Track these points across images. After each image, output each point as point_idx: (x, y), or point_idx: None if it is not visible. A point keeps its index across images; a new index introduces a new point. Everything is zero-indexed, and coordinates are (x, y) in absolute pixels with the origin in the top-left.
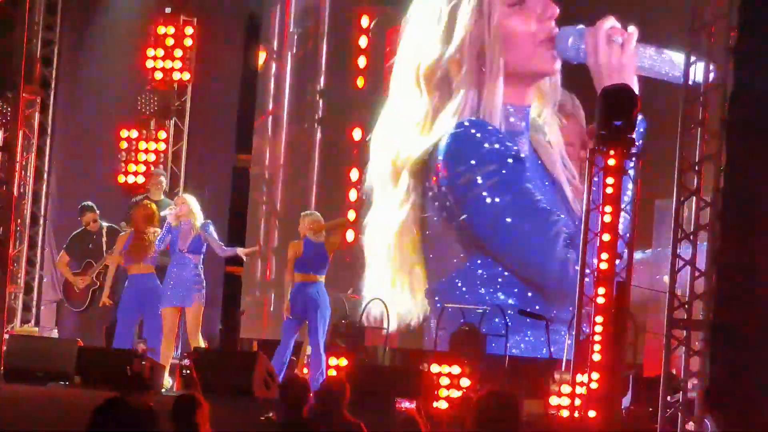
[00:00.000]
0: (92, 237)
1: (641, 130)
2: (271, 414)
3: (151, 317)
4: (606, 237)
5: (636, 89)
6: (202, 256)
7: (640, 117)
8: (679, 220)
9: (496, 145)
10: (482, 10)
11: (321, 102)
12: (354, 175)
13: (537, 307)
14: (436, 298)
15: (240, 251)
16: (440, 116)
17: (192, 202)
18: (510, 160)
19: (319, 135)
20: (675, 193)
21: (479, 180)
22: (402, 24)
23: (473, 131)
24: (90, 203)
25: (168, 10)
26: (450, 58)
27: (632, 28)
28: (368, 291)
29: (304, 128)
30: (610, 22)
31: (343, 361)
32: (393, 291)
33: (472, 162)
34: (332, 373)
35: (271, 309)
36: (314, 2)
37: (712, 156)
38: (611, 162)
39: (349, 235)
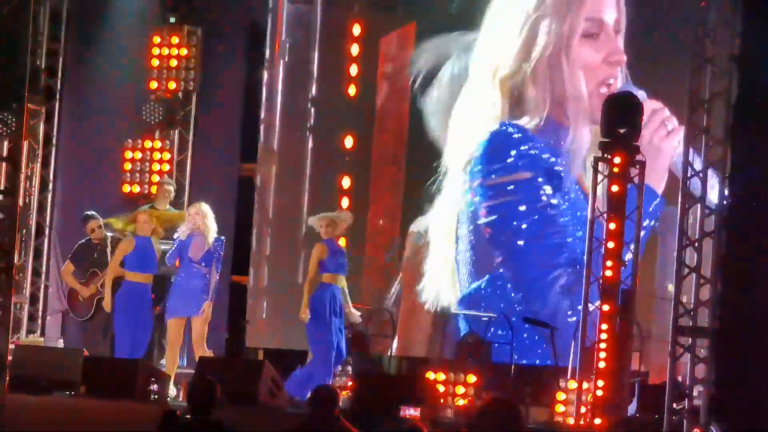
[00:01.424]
0: (97, 246)
1: (658, 213)
2: None
3: (141, 327)
4: (611, 244)
5: (665, 178)
6: (210, 269)
7: (658, 200)
8: (684, 228)
9: (533, 151)
10: (562, 33)
11: (313, 110)
12: (345, 182)
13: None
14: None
15: (207, 306)
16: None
17: (208, 212)
18: (543, 172)
19: (310, 143)
20: (680, 200)
21: (510, 188)
22: (481, 29)
23: (511, 131)
24: (92, 212)
25: (172, 20)
26: (524, 71)
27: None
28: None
29: (296, 136)
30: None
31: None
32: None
33: (508, 161)
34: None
35: (264, 316)
36: (306, 11)
37: (717, 163)
38: (616, 169)
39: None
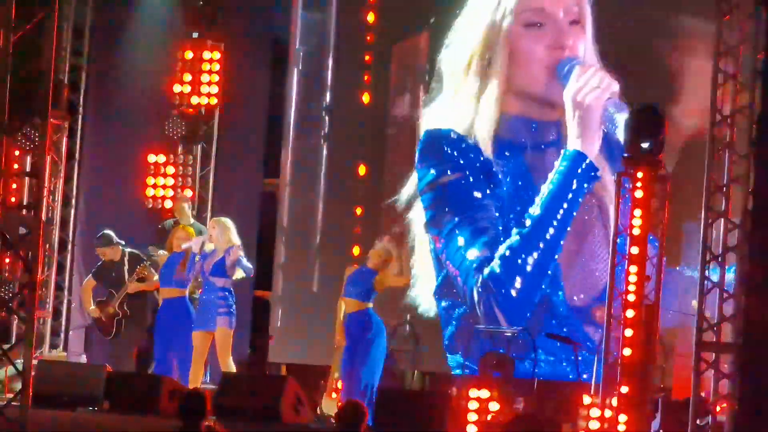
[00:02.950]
0: (115, 265)
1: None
2: None
3: (181, 342)
4: (633, 262)
5: (599, 135)
6: (229, 280)
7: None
8: (707, 242)
9: (460, 158)
10: (495, 21)
11: (327, 118)
12: (360, 190)
13: None
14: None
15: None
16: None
17: (228, 225)
18: (472, 172)
19: (325, 151)
20: (703, 215)
21: (438, 190)
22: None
23: (436, 139)
24: (101, 234)
25: (195, 35)
26: (466, 61)
27: (615, 84)
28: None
29: (310, 144)
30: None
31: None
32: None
33: (432, 171)
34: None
35: (278, 325)
36: (320, 19)
37: (741, 178)
38: (639, 184)
39: (356, 251)
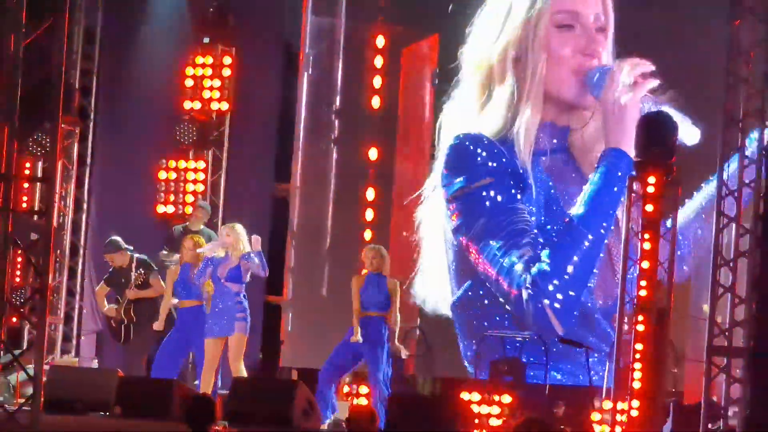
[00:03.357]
0: (124, 271)
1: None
2: None
3: (199, 351)
4: (645, 264)
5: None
6: (243, 285)
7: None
8: (719, 247)
9: (491, 162)
10: (529, 19)
11: (336, 122)
12: (370, 194)
13: None
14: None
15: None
16: (480, 121)
17: (241, 232)
18: (504, 176)
19: (335, 155)
20: (714, 219)
21: (473, 195)
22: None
23: (467, 143)
24: (108, 240)
25: (206, 40)
26: (495, 59)
27: (654, 80)
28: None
29: (319, 148)
30: (631, 63)
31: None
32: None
33: (464, 175)
34: (362, 401)
35: (289, 329)
36: (329, 23)
37: (752, 182)
38: (650, 189)
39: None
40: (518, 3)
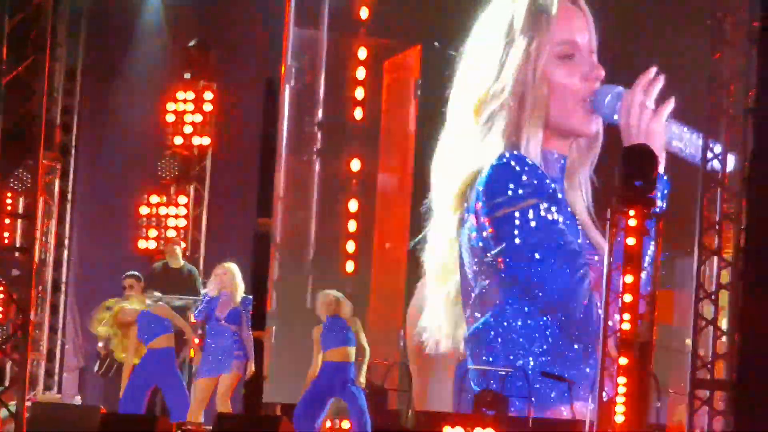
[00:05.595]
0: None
1: (665, 191)
2: None
3: (172, 392)
4: (628, 298)
5: (662, 157)
6: (240, 327)
7: (664, 178)
8: (701, 280)
9: (535, 181)
10: (530, 54)
11: (319, 134)
12: (353, 206)
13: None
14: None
15: (249, 364)
16: (482, 150)
17: (236, 272)
18: (546, 198)
19: (317, 167)
20: (696, 252)
21: (516, 214)
22: (460, 53)
23: (513, 164)
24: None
25: (187, 75)
26: (495, 94)
27: (670, 101)
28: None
29: (302, 160)
30: (644, 83)
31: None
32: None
33: (509, 194)
34: None
35: (273, 342)
36: (311, 35)
37: (733, 215)
38: (632, 222)
39: (349, 266)
40: (517, 42)
